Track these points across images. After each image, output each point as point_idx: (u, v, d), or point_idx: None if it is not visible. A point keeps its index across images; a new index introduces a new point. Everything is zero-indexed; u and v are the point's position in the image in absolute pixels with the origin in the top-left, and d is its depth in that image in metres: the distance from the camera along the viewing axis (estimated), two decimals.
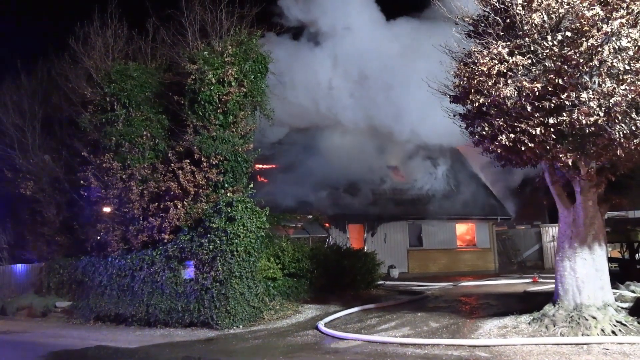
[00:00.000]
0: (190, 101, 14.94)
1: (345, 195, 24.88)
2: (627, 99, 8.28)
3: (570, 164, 9.45)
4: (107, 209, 15.79)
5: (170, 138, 15.84)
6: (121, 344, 11.72)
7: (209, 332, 12.49)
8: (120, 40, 17.14)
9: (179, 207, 14.25)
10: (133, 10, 18.11)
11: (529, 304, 12.06)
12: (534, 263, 28.86)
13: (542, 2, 8.79)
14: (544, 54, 8.90)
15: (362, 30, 23.61)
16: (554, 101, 8.79)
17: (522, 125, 9.08)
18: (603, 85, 8.45)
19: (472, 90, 9.59)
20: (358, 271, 17.48)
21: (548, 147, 9.19)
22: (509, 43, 9.26)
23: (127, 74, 15.98)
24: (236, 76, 14.87)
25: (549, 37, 8.78)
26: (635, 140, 8.54)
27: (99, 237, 16.22)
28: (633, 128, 8.45)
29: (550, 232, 28.10)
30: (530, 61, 9.01)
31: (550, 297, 10.97)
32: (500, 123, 9.38)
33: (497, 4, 9.51)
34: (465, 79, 9.77)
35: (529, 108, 8.98)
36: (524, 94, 8.92)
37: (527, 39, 9.06)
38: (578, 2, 8.50)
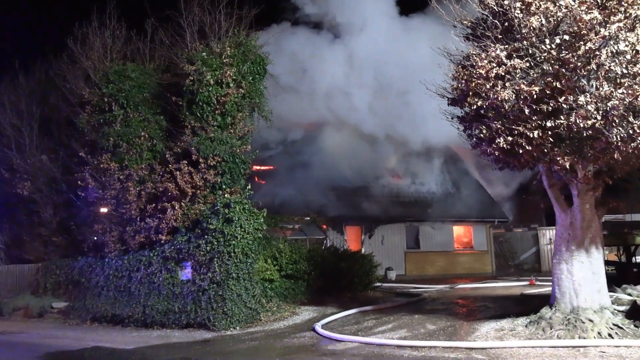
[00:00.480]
0: (188, 102, 14.93)
1: (343, 197, 24.88)
2: (625, 102, 8.30)
3: (568, 167, 9.47)
4: (104, 210, 15.75)
5: (168, 139, 15.82)
6: (118, 345, 11.70)
7: (206, 334, 12.46)
8: (119, 40, 17.11)
9: (176, 208, 14.23)
10: (131, 11, 18.12)
11: (526, 306, 12.07)
12: (531, 266, 28.88)
13: (540, 5, 8.81)
14: (542, 57, 8.92)
15: (377, 28, 23.37)
16: (551, 104, 8.82)
17: (520, 128, 9.10)
18: (601, 88, 8.48)
19: (470, 93, 9.61)
20: (355, 273, 17.47)
21: (546, 150, 9.21)
22: (507, 46, 9.28)
23: (125, 75, 15.95)
24: (234, 77, 14.87)
25: (547, 41, 8.80)
26: (632, 144, 8.56)
27: (96, 238, 16.19)
28: (630, 132, 8.47)
29: (548, 234, 28.14)
30: (528, 64, 9.03)
31: (547, 300, 10.99)
32: (498, 126, 9.40)
33: (495, 7, 9.54)
34: (464, 81, 9.79)
35: (526, 111, 9.00)
36: (522, 97, 8.94)
37: (525, 42, 9.08)
38: (576, 5, 8.53)
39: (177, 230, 14.20)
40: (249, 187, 14.94)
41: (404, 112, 22.96)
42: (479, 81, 9.35)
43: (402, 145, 25.85)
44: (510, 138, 9.25)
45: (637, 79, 8.30)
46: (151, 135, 15.74)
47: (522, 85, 8.88)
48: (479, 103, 9.48)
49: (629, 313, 10.27)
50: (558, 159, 9.17)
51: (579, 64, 8.53)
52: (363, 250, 22.69)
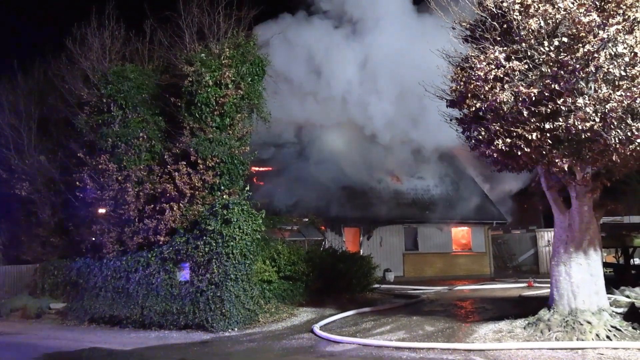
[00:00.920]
0: (187, 103, 14.92)
1: (342, 199, 24.88)
2: (623, 104, 8.32)
3: (566, 169, 9.49)
4: (102, 211, 15.72)
5: (166, 140, 15.81)
6: (115, 346, 11.67)
7: (204, 335, 12.44)
8: (118, 41, 17.10)
9: (174, 209, 14.22)
10: (130, 11, 18.11)
11: (524, 308, 12.08)
12: (529, 267, 28.94)
13: (539, 7, 8.83)
14: (541, 60, 8.94)
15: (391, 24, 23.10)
16: (550, 106, 8.83)
17: (519, 130, 9.11)
18: (599, 91, 8.50)
19: (469, 95, 9.63)
20: (354, 274, 17.48)
21: (544, 152, 9.23)
22: (505, 48, 9.29)
23: (124, 76, 15.94)
24: (233, 78, 14.87)
25: (546, 43, 8.82)
26: (630, 146, 8.58)
27: (94, 239, 16.15)
28: (629, 134, 8.49)
29: (546, 236, 28.19)
30: (526, 66, 9.05)
31: (546, 302, 11.00)
32: (497, 128, 9.41)
33: (494, 9, 9.55)
34: (462, 83, 9.80)
35: (525, 113, 9.02)
36: (521, 99, 8.95)
37: (523, 44, 9.10)
38: (574, 8, 8.55)
39: (175, 231, 14.19)
40: (248, 188, 14.93)
41: (416, 114, 22.71)
42: (477, 83, 9.36)
43: (404, 147, 25.86)
44: (508, 140, 9.27)
45: (636, 81, 8.32)
46: (150, 136, 15.73)
47: (521, 87, 8.89)
48: (478, 105, 9.49)
49: (627, 315, 10.28)
50: (556, 161, 9.18)
51: (578, 66, 8.55)
52: (361, 252, 22.72)
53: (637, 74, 8.31)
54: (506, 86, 9.09)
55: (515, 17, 9.08)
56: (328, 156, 24.83)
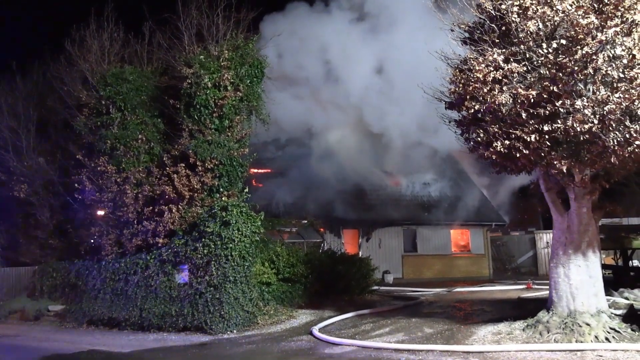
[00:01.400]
0: (186, 105, 14.92)
1: (340, 200, 24.88)
2: (621, 106, 8.34)
3: (565, 171, 9.50)
4: (101, 213, 15.71)
5: (165, 142, 15.80)
6: (114, 348, 11.66)
7: (203, 337, 12.43)
8: (117, 43, 17.09)
9: (173, 211, 14.21)
10: (129, 14, 18.13)
11: (523, 310, 12.08)
12: (528, 269, 28.94)
13: (537, 10, 8.85)
14: (539, 62, 8.96)
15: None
16: (548, 108, 8.84)
17: (517, 132, 9.12)
18: (597, 93, 8.52)
19: (468, 97, 9.64)
20: (353, 276, 17.47)
21: (543, 154, 9.24)
22: (504, 50, 9.31)
23: (122, 77, 15.94)
24: (232, 80, 14.87)
25: (544, 45, 8.84)
26: (629, 148, 8.60)
27: (92, 241, 16.14)
28: (627, 136, 8.50)
29: (545, 238, 28.19)
30: (525, 68, 9.07)
31: (545, 304, 11.00)
32: (495, 130, 9.42)
33: (492, 12, 9.57)
34: (461, 85, 9.82)
35: (524, 115, 9.03)
36: (519, 101, 8.97)
37: (522, 46, 9.12)
38: (573, 10, 8.57)
39: (174, 233, 14.18)
40: (247, 190, 14.92)
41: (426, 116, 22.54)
42: (476, 85, 9.37)
43: (404, 149, 25.85)
44: (507, 142, 9.28)
45: (634, 83, 8.34)
46: (149, 138, 15.73)
47: (520, 89, 8.91)
48: (477, 107, 9.50)
49: (625, 317, 10.29)
50: (555, 162, 9.20)
51: (576, 68, 8.57)
52: (360, 254, 22.70)
53: (636, 76, 8.32)
54: (505, 88, 9.10)
55: (513, 19, 9.10)
56: (327, 158, 24.80)
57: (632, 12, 8.48)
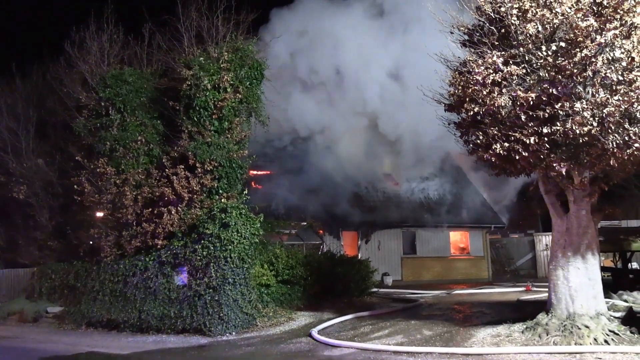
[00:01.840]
0: (186, 107, 14.92)
1: (340, 202, 24.87)
2: (621, 109, 8.35)
3: (564, 174, 9.51)
4: (100, 214, 15.69)
5: (164, 143, 15.80)
6: (113, 350, 11.64)
7: (202, 339, 12.42)
8: (116, 45, 17.10)
9: (172, 212, 14.20)
10: (129, 15, 18.11)
11: (522, 312, 12.08)
12: (527, 272, 28.94)
13: (536, 12, 8.86)
14: (539, 64, 8.97)
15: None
16: (548, 111, 8.85)
17: (517, 134, 9.13)
18: (596, 95, 8.53)
19: (467, 99, 9.65)
20: (352, 278, 17.46)
21: (542, 157, 9.25)
22: (503, 53, 9.32)
23: (122, 79, 15.94)
24: (232, 82, 14.87)
25: (544, 48, 8.85)
26: (628, 151, 8.61)
27: (91, 242, 16.11)
28: (626, 138, 8.52)
29: (544, 240, 28.20)
30: (524, 71, 9.08)
31: (544, 306, 11.00)
32: (495, 132, 9.43)
33: (492, 14, 9.59)
34: (460, 87, 9.83)
35: (523, 117, 9.04)
36: (518, 103, 8.97)
37: (521, 48, 9.13)
38: (572, 13, 8.58)
39: (173, 235, 14.17)
40: (246, 191, 14.92)
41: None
42: (475, 87, 9.38)
43: (399, 151, 25.86)
44: (506, 144, 9.29)
45: (633, 85, 8.35)
46: (148, 140, 15.73)
47: (519, 92, 8.91)
48: (476, 109, 9.50)
49: (625, 319, 10.29)
50: (554, 165, 9.21)
51: (575, 70, 8.58)
52: (359, 256, 22.67)
53: (635, 78, 8.33)
54: (504, 90, 9.11)
55: (513, 21, 9.11)
56: (326, 160, 24.81)
57: (631, 14, 8.50)
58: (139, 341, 12.65)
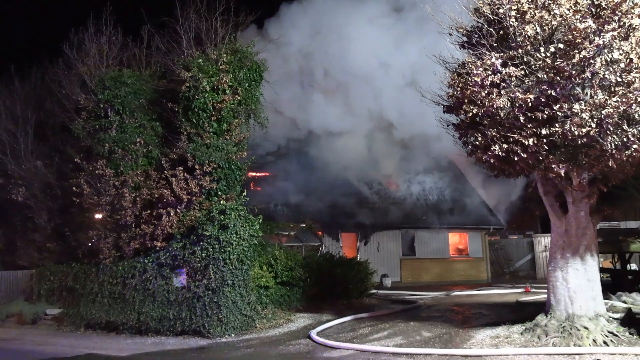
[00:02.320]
0: (184, 108, 14.92)
1: (339, 204, 24.87)
2: (619, 110, 8.36)
3: (563, 175, 9.51)
4: (99, 216, 15.68)
5: (163, 145, 15.80)
6: (112, 352, 11.63)
7: (201, 341, 12.41)
8: (115, 47, 17.09)
9: (171, 214, 14.19)
10: (128, 17, 18.11)
11: (522, 314, 12.09)
12: (527, 273, 28.94)
13: (535, 14, 8.87)
14: (537, 66, 8.98)
15: None
16: (546, 112, 8.87)
17: (515, 135, 9.14)
18: (595, 96, 8.54)
19: (466, 101, 9.66)
20: (351, 280, 17.45)
21: (540, 158, 9.25)
22: (502, 54, 9.33)
23: (121, 81, 15.94)
24: (230, 84, 14.88)
25: (542, 49, 8.86)
26: (626, 152, 8.62)
27: (90, 244, 16.10)
28: (624, 139, 8.53)
29: (543, 242, 28.20)
30: (523, 72, 9.09)
31: (543, 307, 11.00)
32: (494, 133, 9.44)
33: (490, 16, 9.60)
34: (459, 89, 9.84)
35: (521, 119, 9.05)
36: (517, 104, 8.99)
37: (520, 50, 9.14)
38: (571, 14, 8.59)
39: (172, 237, 14.16)
40: (245, 193, 14.91)
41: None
42: (474, 89, 9.39)
43: (399, 152, 25.83)
44: (505, 145, 9.29)
45: (631, 87, 8.37)
46: (147, 142, 15.73)
47: (517, 93, 8.92)
48: (475, 111, 9.52)
49: (624, 320, 10.29)
50: (553, 166, 9.21)
51: (574, 72, 8.59)
52: (358, 257, 22.67)
53: (633, 80, 8.35)
54: (503, 92, 9.12)
55: (511, 23, 9.12)
56: (325, 161, 24.80)
57: (629, 16, 8.51)
58: (138, 343, 12.65)
